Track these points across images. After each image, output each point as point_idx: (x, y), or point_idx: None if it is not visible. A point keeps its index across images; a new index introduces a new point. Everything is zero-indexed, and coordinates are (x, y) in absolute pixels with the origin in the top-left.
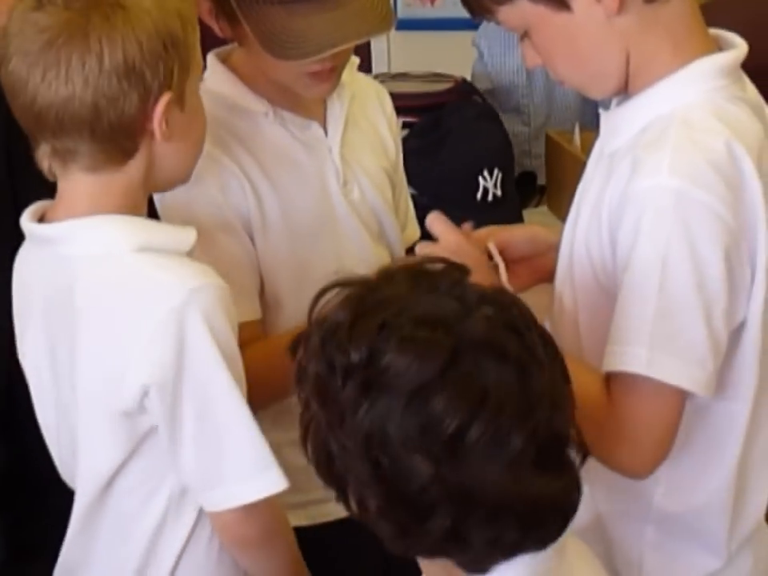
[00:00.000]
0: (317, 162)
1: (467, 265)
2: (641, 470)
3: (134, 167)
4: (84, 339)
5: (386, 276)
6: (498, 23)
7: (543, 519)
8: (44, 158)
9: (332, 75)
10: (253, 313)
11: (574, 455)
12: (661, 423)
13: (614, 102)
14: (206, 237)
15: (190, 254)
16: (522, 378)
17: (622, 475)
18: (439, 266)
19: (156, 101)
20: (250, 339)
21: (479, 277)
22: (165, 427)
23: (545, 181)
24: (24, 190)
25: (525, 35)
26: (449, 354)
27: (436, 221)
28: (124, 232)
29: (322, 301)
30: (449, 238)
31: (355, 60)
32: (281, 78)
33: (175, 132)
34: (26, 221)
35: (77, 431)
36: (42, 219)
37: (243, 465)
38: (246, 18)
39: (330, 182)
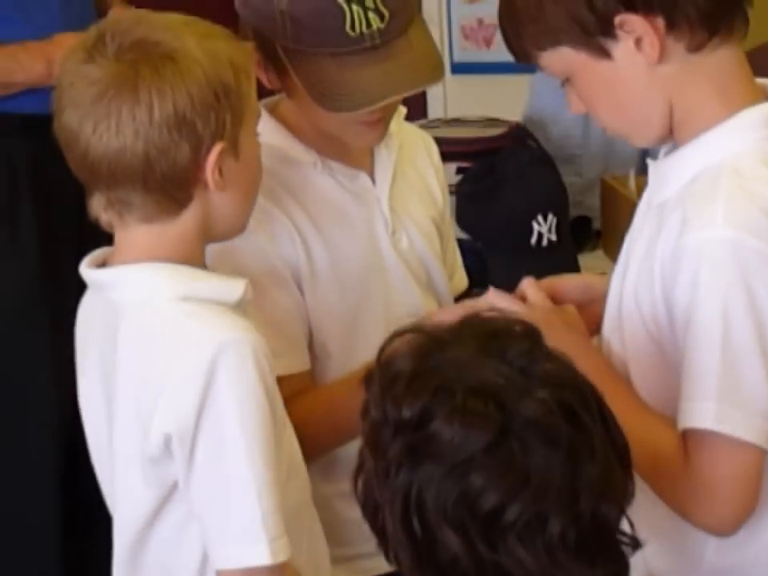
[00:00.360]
0: (365, 212)
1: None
2: (723, 527)
3: (189, 217)
4: (121, 384)
5: (457, 333)
6: (540, 69)
7: None
8: (99, 208)
9: (380, 125)
10: (302, 364)
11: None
12: (737, 478)
13: (662, 151)
14: (256, 287)
15: (239, 304)
16: (571, 464)
17: (706, 532)
18: (514, 327)
19: (208, 151)
20: (300, 390)
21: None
22: (181, 476)
23: (600, 225)
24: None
25: (567, 81)
26: (496, 430)
27: (530, 287)
28: (169, 280)
29: (395, 342)
30: (536, 307)
31: (402, 109)
32: (330, 129)
33: (230, 181)
34: (84, 266)
35: (115, 478)
36: (101, 266)
37: (238, 528)
38: (296, 70)
39: (378, 232)
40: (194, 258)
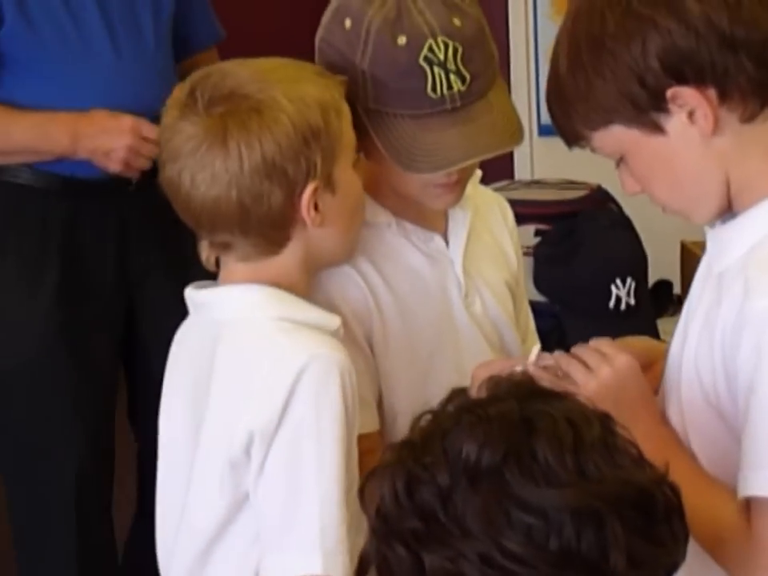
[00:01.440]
0: (439, 274)
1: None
2: None
3: (289, 254)
4: (214, 392)
5: (529, 422)
6: (593, 150)
7: None
8: (204, 250)
9: (458, 187)
10: (372, 424)
11: None
12: None
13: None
14: None
15: (334, 335)
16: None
17: None
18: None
19: (302, 192)
20: (370, 450)
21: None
22: (252, 478)
23: (680, 289)
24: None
25: (621, 161)
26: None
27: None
28: (270, 302)
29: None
30: (601, 371)
31: (478, 172)
32: (407, 190)
33: (328, 216)
34: (189, 289)
35: (188, 490)
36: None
37: (295, 536)
38: (376, 131)
39: (451, 294)
40: (298, 288)
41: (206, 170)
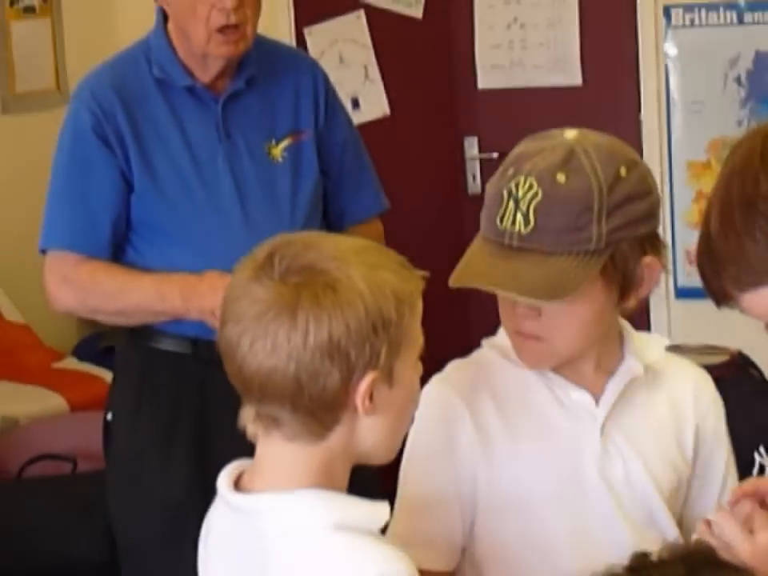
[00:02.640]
0: (574, 429)
1: None
2: None
3: (335, 439)
4: None
5: None
6: (741, 311)
7: None
8: (248, 420)
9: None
10: (437, 562)
11: None
12: None
13: None
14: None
15: (383, 529)
16: None
17: None
18: None
19: (360, 379)
20: None
21: None
22: None
23: None
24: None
25: None
26: None
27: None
28: (321, 510)
29: None
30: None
31: (663, 341)
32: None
33: (380, 407)
34: (224, 486)
35: None
36: (237, 481)
37: None
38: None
39: (584, 453)
40: (339, 480)
41: (267, 338)
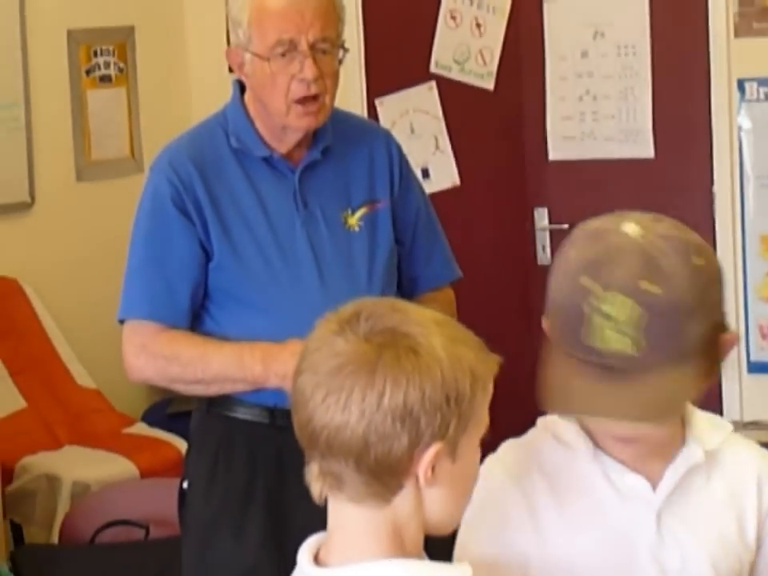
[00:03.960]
0: (627, 515)
1: None
2: None
3: (400, 505)
4: None
5: None
6: None
7: None
8: (313, 478)
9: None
10: None
11: None
12: None
13: None
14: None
15: None
16: None
17: None
18: None
19: (425, 448)
20: None
21: None
22: None
23: None
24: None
25: None
26: None
27: None
28: None
29: None
30: None
31: (728, 425)
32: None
33: (440, 480)
34: (305, 561)
35: None
36: (316, 554)
37: None
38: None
39: (638, 540)
40: (413, 547)
41: (342, 393)
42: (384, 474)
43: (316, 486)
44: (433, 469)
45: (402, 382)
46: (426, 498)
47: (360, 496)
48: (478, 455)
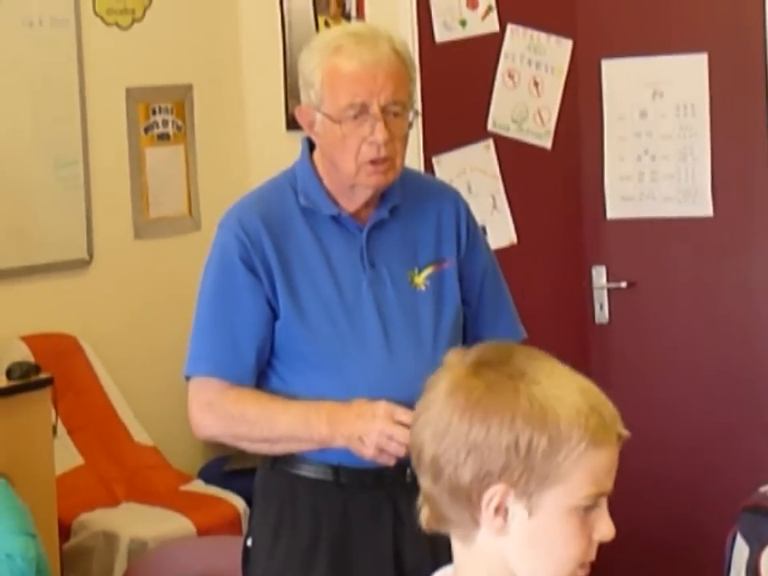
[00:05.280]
0: None
1: None
2: None
3: (484, 547)
4: None
5: None
6: None
7: None
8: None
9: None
10: None
11: None
12: None
13: None
14: None
15: None
16: None
17: None
18: None
19: (491, 484)
20: None
21: None
22: None
23: None
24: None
25: None
26: None
27: None
28: None
29: None
30: None
31: None
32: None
33: (515, 533)
34: None
35: None
36: None
37: None
38: None
39: None
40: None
41: (428, 411)
42: (461, 497)
43: (423, 517)
44: (505, 516)
45: (470, 415)
46: (506, 549)
47: (463, 535)
48: (573, 524)
